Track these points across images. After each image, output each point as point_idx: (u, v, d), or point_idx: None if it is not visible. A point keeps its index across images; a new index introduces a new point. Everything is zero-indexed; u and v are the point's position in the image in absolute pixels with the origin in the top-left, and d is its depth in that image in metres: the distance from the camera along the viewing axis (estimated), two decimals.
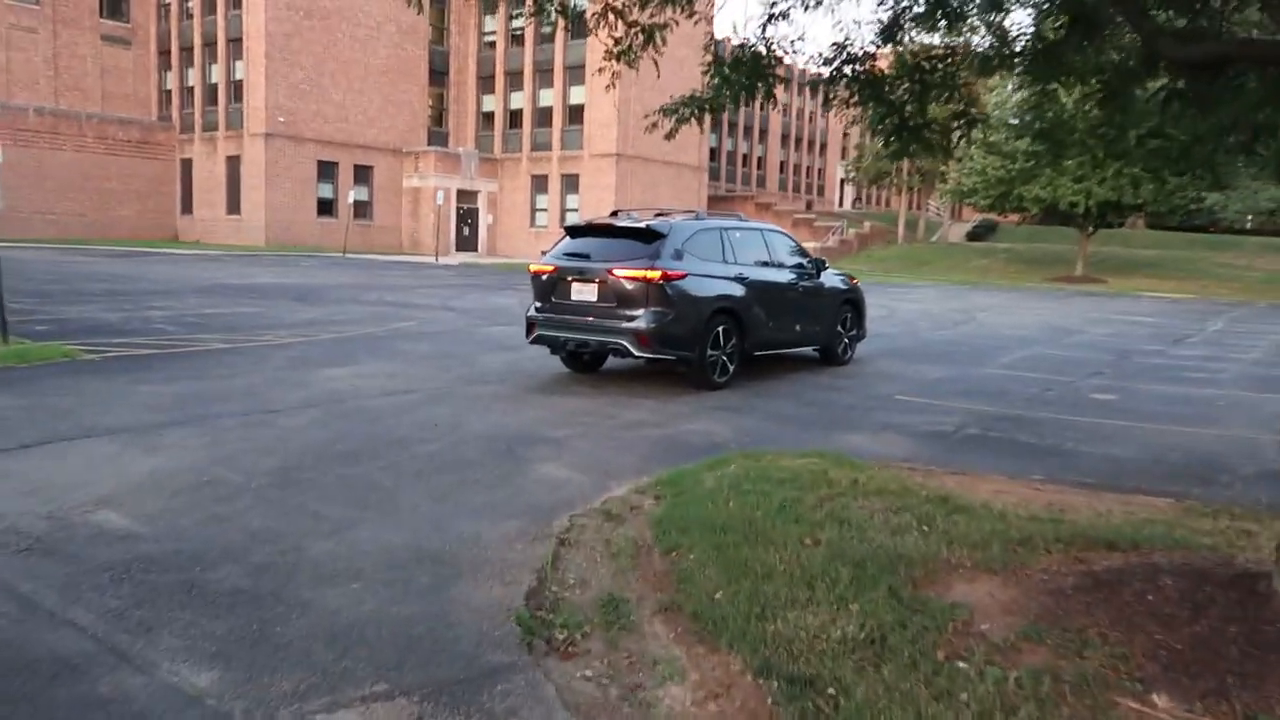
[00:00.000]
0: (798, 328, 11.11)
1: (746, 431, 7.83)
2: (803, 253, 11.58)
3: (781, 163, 69.01)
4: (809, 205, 69.25)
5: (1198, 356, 14.82)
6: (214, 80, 44.04)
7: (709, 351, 9.58)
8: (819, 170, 73.79)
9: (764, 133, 66.50)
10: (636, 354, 9.23)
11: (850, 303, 12.19)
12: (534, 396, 9.07)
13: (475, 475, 6.14)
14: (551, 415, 8.19)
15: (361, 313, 16.45)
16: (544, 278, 9.88)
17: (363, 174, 45.19)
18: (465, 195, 47.47)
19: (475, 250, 47.65)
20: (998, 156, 38.16)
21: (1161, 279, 39.78)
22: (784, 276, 10.90)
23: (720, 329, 9.71)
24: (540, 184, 48.14)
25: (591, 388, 9.68)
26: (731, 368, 9.92)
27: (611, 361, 10.83)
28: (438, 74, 48.97)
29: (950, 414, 8.91)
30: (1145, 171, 35.60)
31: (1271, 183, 28.54)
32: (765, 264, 10.72)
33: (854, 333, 12.30)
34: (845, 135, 74.34)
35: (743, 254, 10.40)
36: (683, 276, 9.33)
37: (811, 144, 72.48)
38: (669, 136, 6.70)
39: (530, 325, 10.02)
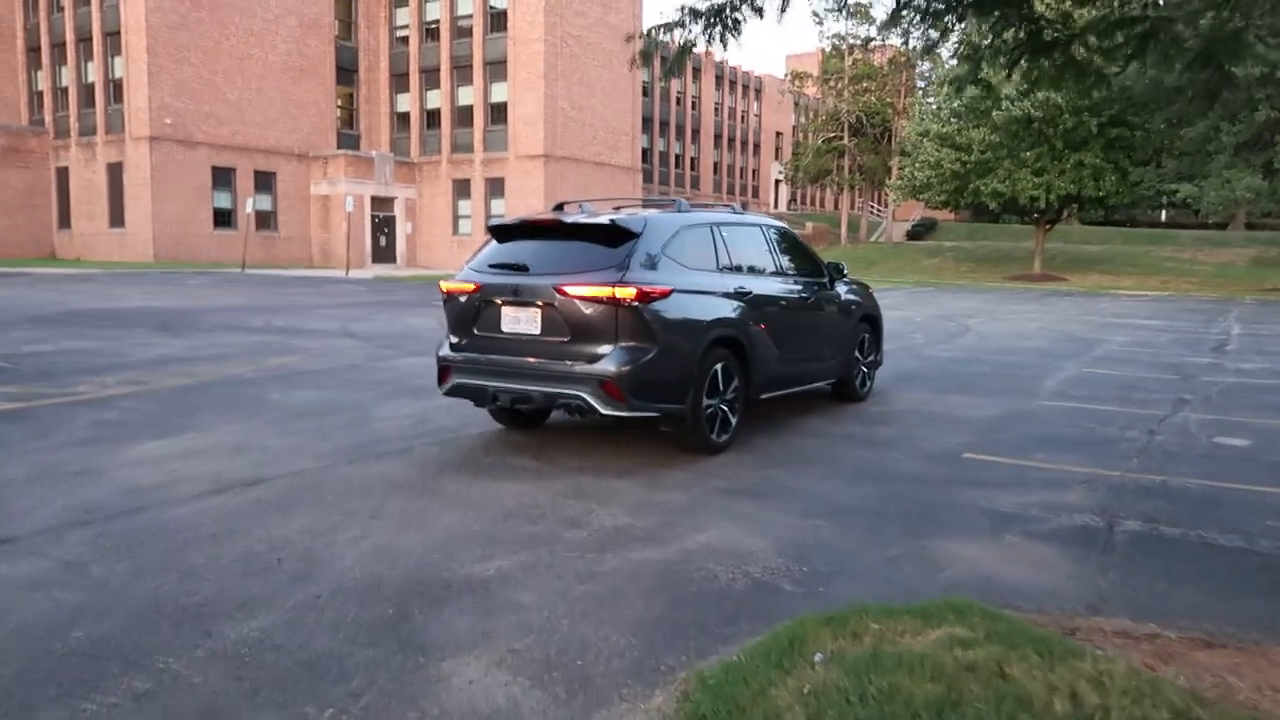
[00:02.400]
0: (814, 357, 8.20)
1: (793, 544, 4.85)
2: (812, 254, 8.67)
3: (715, 163, 66.59)
4: (744, 206, 66.91)
5: (1266, 370, 12.36)
6: (90, 79, 39.56)
7: (704, 400, 6.59)
8: (753, 171, 71.62)
9: (696, 132, 64.00)
10: (604, 411, 6.17)
11: (869, 320, 9.34)
12: (449, 482, 5.96)
13: (323, 713, 3.05)
14: (476, 525, 5.10)
15: (236, 345, 13.04)
16: (462, 300, 6.78)
17: (264, 181, 41.15)
18: (381, 203, 43.75)
19: (393, 262, 43.94)
20: (952, 149, 36.04)
21: (1118, 275, 38.21)
22: (796, 288, 7.98)
23: (719, 367, 6.73)
24: (462, 189, 44.67)
25: (536, 457, 6.61)
26: (734, 420, 6.95)
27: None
28: (346, 72, 45.14)
29: (1062, 485, 6.09)
30: (1106, 162, 33.90)
31: (1248, 170, 26.87)
32: (771, 272, 7.79)
33: (873, 358, 9.45)
34: (778, 135, 72.36)
35: (742, 258, 7.45)
36: (667, 294, 6.33)
37: (745, 144, 70.27)
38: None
39: (443, 370, 6.90)
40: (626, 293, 6.10)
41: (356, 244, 41.19)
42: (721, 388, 6.77)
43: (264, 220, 40.65)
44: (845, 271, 8.87)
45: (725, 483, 6.06)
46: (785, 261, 8.02)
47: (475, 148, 44.01)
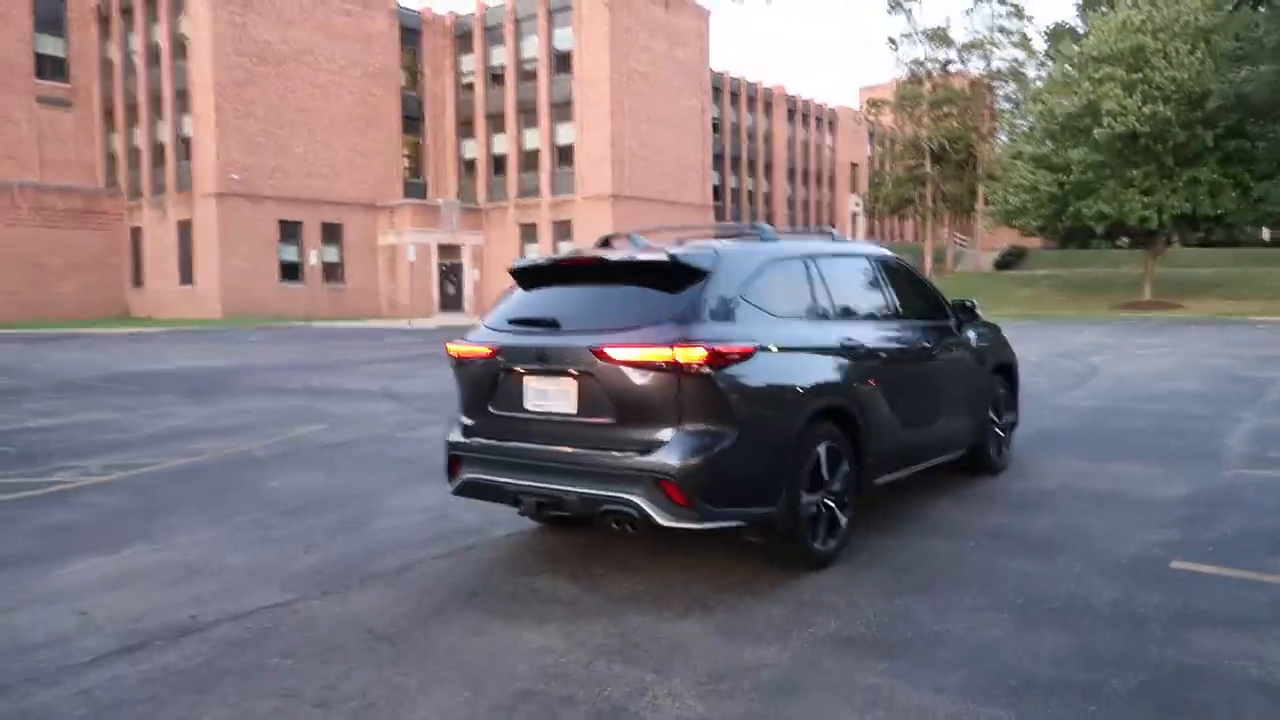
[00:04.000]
0: (943, 423, 6.28)
1: None
2: (933, 290, 6.78)
3: (789, 198, 64.71)
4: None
5: None
6: (161, 139, 39.87)
7: (803, 497, 4.74)
8: (828, 204, 69.48)
9: (769, 167, 62.32)
10: (664, 524, 4.36)
11: (1003, 371, 7.40)
12: (449, 629, 4.21)
13: None
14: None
15: (261, 412, 11.64)
16: (475, 368, 5.08)
17: (331, 232, 40.79)
18: (447, 250, 43.01)
19: (460, 310, 43.04)
20: (1048, 170, 33.50)
21: (1239, 299, 34.90)
22: (916, 336, 6.10)
23: (822, 449, 4.88)
24: (529, 233, 43.72)
25: (574, 578, 4.83)
26: (844, 520, 5.08)
27: None
28: (411, 120, 44.82)
29: None
30: (1225, 178, 30.99)
31: None
32: (885, 315, 5.93)
33: (1010, 418, 7.48)
34: (854, 166, 70.29)
35: (846, 299, 5.62)
36: (749, 354, 4.53)
37: (820, 177, 68.29)
38: None
39: (453, 462, 5.19)
40: (692, 354, 4.32)
41: (422, 293, 40.43)
42: (826, 477, 4.91)
43: (331, 272, 40.21)
44: (978, 311, 6.93)
45: (839, 623, 4.19)
46: (901, 301, 6.14)
47: (542, 191, 43.07)
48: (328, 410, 11.68)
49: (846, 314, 5.49)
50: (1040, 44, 51.57)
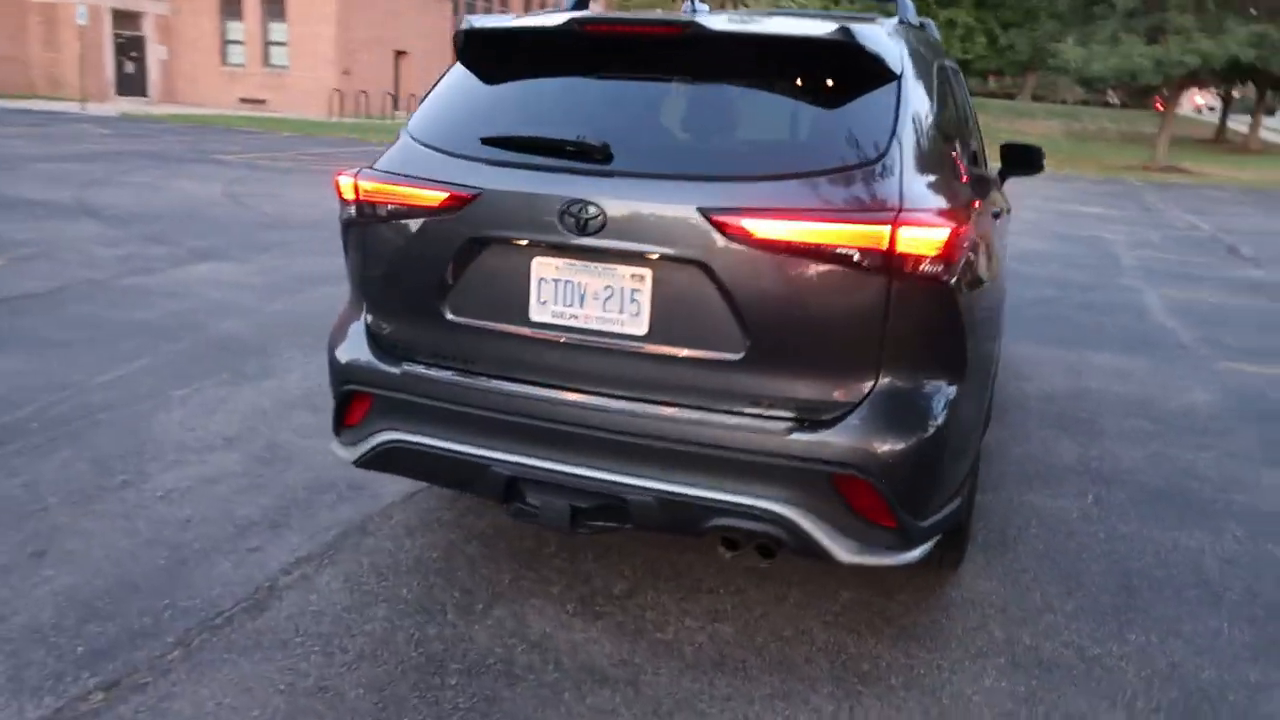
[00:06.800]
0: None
1: None
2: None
3: None
4: None
5: None
6: None
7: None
8: None
9: None
10: (845, 558, 2.32)
11: None
12: None
13: None
14: None
15: None
16: (405, 227, 2.58)
17: None
18: (125, 19, 35.02)
19: (144, 95, 35.69)
20: None
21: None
22: (1003, 203, 4.30)
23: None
24: (231, 8, 36.56)
25: (582, 608, 2.74)
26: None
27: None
28: None
29: None
30: (977, 22, 31.30)
31: (1133, 36, 24.53)
32: (979, 165, 3.99)
33: None
34: None
35: (974, 141, 3.68)
36: (965, 236, 2.43)
37: None
38: None
39: (353, 402, 2.74)
40: (928, 239, 2.21)
41: (95, 69, 32.86)
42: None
43: None
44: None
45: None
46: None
47: None
48: (2, 235, 8.06)
49: (975, 164, 3.52)
50: None
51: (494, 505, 3.41)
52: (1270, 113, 47.14)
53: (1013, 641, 2.77)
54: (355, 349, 2.74)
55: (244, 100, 34.55)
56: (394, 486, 3.54)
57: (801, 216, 2.21)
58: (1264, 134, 39.73)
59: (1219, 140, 39.08)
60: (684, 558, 3.15)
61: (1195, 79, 27.51)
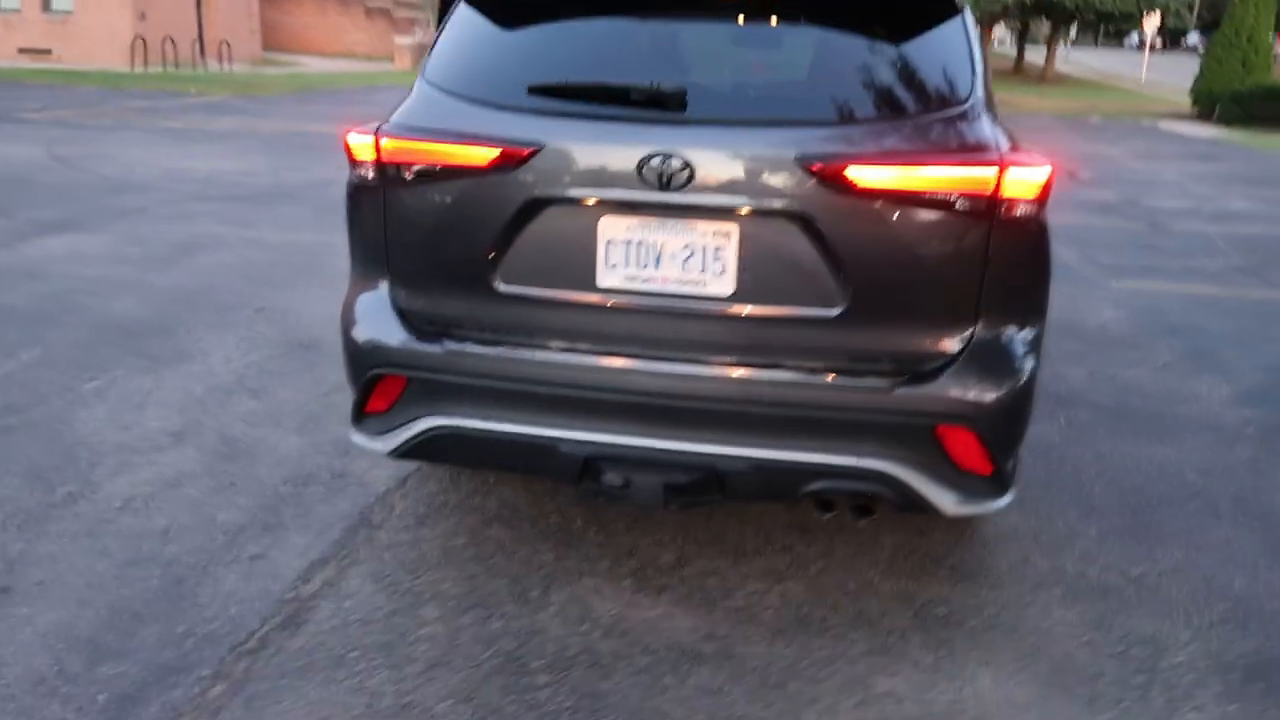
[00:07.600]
0: None
1: None
2: None
3: None
4: None
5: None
6: None
7: None
8: None
9: None
10: (952, 510, 2.29)
11: None
12: None
13: None
14: None
15: None
16: (440, 191, 2.31)
17: None
18: None
19: None
20: None
21: None
22: None
23: None
24: None
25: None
26: None
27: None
28: None
29: None
30: None
31: None
32: None
33: None
34: None
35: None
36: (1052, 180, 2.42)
37: None
38: None
39: (380, 388, 2.46)
40: (1030, 183, 2.15)
41: None
42: None
43: None
44: None
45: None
46: None
47: None
48: None
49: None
50: None
51: (499, 483, 3.23)
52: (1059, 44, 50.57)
53: (1059, 570, 2.84)
54: (380, 328, 2.45)
55: (23, 51, 30.97)
56: (380, 472, 3.27)
57: (906, 161, 2.11)
58: (1058, 65, 42.60)
59: (1018, 71, 41.71)
60: (713, 520, 3.06)
61: (1003, 14, 29.15)
